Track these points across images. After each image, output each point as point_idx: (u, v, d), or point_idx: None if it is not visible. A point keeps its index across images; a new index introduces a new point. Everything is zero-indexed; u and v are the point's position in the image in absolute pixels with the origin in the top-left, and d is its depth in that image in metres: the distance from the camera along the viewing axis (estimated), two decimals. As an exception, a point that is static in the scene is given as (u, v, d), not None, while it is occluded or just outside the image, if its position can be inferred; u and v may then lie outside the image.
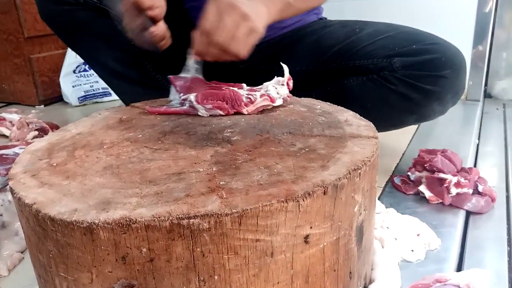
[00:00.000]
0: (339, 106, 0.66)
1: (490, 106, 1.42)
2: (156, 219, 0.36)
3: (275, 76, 0.69)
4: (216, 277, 0.39)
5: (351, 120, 0.59)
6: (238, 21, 0.65)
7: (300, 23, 0.94)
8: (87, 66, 1.62)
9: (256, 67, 0.97)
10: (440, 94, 0.82)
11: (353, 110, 0.64)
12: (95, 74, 1.62)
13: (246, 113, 0.62)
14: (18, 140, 1.15)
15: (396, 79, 0.82)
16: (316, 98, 0.70)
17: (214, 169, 0.45)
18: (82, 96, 1.59)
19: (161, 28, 0.72)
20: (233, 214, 0.37)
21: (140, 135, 0.56)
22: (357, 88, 0.86)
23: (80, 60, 1.60)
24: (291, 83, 0.68)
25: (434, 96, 0.82)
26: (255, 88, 0.66)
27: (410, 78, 0.81)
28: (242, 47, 0.66)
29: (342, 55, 0.88)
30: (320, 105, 0.66)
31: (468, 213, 0.75)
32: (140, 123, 0.61)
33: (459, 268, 0.62)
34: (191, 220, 0.36)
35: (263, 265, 0.39)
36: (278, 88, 0.66)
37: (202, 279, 0.38)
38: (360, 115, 0.62)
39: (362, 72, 0.85)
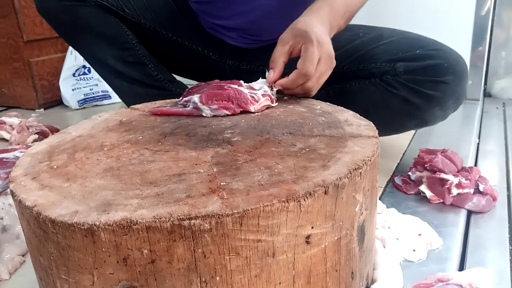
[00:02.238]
0: (338, 106, 0.66)
1: (490, 105, 1.42)
2: (157, 220, 0.36)
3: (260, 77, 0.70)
4: (217, 278, 0.38)
5: (351, 120, 0.59)
6: (327, 70, 0.70)
7: None
8: (87, 69, 1.62)
9: (257, 68, 0.98)
10: (442, 100, 0.83)
11: (354, 113, 0.64)
12: (94, 77, 1.62)
13: (253, 110, 0.63)
14: (18, 144, 1.15)
15: (398, 84, 0.83)
16: None
17: (214, 170, 0.45)
18: (82, 99, 1.59)
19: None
20: (234, 215, 0.37)
21: (140, 137, 0.56)
22: (359, 92, 0.86)
23: (79, 63, 1.60)
24: (275, 89, 0.69)
25: (436, 101, 0.83)
26: (251, 85, 0.66)
27: (413, 83, 0.82)
28: (317, 89, 0.72)
29: (345, 58, 0.88)
30: (320, 105, 0.66)
31: (470, 212, 0.75)
32: (140, 125, 0.61)
33: (461, 267, 0.62)
34: (192, 221, 0.36)
35: (264, 266, 0.39)
36: (267, 89, 0.67)
37: (203, 280, 0.38)
38: None
39: (365, 76, 0.86)
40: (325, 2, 0.76)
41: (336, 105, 0.67)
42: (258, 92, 0.64)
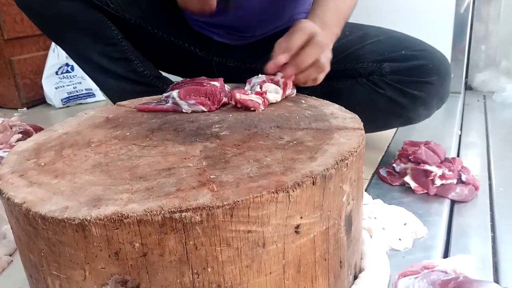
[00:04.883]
0: (324, 100, 0.67)
1: (471, 98, 1.45)
2: (148, 214, 0.36)
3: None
4: (209, 269, 0.39)
5: (336, 113, 0.60)
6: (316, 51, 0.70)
7: (291, 23, 0.94)
8: (70, 67, 1.60)
9: (245, 66, 0.97)
10: (426, 99, 0.85)
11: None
12: (78, 75, 1.60)
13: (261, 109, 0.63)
14: (2, 144, 1.13)
15: (384, 84, 0.85)
16: None
17: (204, 163, 0.45)
18: (66, 98, 1.58)
19: None
20: (225, 206, 0.37)
21: (128, 133, 0.56)
22: (346, 91, 0.88)
23: (62, 61, 1.58)
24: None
25: (420, 101, 0.85)
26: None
27: (398, 83, 0.84)
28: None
29: (332, 58, 0.89)
30: (306, 100, 0.67)
31: (453, 202, 0.77)
32: (127, 121, 0.61)
33: (446, 254, 0.63)
34: (183, 214, 0.37)
35: (255, 256, 0.40)
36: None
37: (195, 271, 0.39)
38: None
39: (352, 75, 0.87)
40: (316, 18, 0.76)
41: (322, 99, 0.68)
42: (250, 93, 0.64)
